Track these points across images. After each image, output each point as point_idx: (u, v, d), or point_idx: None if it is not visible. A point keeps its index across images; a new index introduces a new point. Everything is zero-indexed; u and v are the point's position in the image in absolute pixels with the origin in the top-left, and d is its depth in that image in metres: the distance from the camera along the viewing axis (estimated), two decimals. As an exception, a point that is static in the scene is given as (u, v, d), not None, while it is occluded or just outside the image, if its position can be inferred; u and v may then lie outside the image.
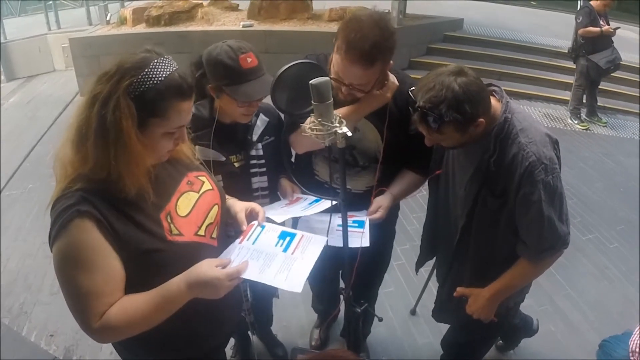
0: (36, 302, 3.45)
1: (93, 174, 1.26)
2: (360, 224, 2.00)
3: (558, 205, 1.75)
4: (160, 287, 1.30)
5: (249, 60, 1.84)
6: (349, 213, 1.75)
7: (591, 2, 6.43)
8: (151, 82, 1.24)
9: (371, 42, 1.71)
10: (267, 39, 7.48)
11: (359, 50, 1.72)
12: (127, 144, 1.22)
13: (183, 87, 1.29)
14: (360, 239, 1.92)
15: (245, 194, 2.02)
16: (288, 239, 1.54)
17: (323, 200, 1.93)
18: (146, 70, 1.24)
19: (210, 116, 1.99)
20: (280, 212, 1.96)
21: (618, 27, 6.54)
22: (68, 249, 1.24)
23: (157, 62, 1.26)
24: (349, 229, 1.77)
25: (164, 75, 1.25)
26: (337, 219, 1.77)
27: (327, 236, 1.67)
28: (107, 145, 1.22)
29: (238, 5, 9.02)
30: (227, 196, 1.69)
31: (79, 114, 1.26)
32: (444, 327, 2.55)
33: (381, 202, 2.08)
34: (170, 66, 1.28)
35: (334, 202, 1.74)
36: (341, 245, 1.77)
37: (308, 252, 1.49)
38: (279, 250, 1.47)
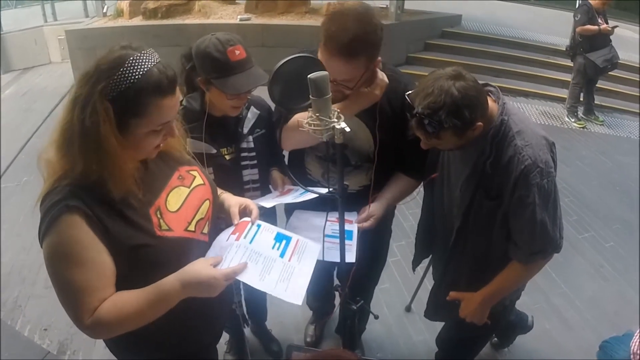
0: (30, 296, 3.44)
1: (82, 178, 1.24)
2: (349, 235, 1.95)
3: (552, 210, 1.74)
4: (153, 285, 1.29)
5: (237, 52, 1.83)
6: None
7: (590, 0, 6.43)
8: (127, 82, 1.18)
9: (351, 35, 1.69)
10: (264, 33, 7.45)
11: (339, 43, 1.70)
12: (108, 150, 1.19)
13: (162, 82, 1.23)
14: (348, 253, 1.88)
15: (237, 186, 2.01)
16: (284, 242, 1.54)
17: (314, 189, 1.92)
18: (121, 69, 1.18)
19: (201, 109, 1.98)
20: (270, 201, 1.97)
21: (616, 26, 6.54)
22: (58, 245, 1.23)
23: (132, 59, 1.20)
24: (335, 240, 1.76)
25: (140, 73, 1.19)
26: (328, 226, 1.75)
27: (322, 238, 1.66)
28: (89, 151, 1.19)
29: (235, -2, 9.00)
30: (220, 190, 1.67)
31: (63, 117, 1.23)
32: (439, 324, 2.55)
33: (374, 211, 2.05)
34: (148, 62, 1.22)
35: (326, 192, 1.73)
36: (334, 260, 1.77)
37: (304, 261, 1.50)
38: (276, 254, 1.47)
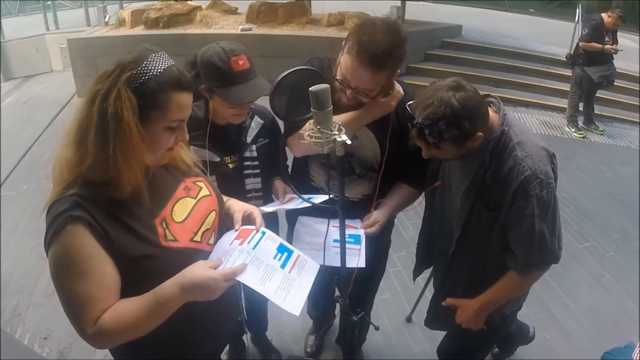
0: (30, 305, 3.43)
1: (91, 172, 1.25)
2: (356, 239, 1.97)
3: (551, 221, 1.74)
4: (152, 291, 1.29)
5: (241, 62, 1.84)
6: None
7: (603, 14, 6.45)
8: (150, 73, 1.25)
9: (383, 46, 1.70)
10: (265, 43, 7.49)
11: (370, 53, 1.71)
12: (127, 135, 1.22)
13: (182, 79, 1.30)
14: (357, 258, 1.90)
15: (239, 195, 2.01)
16: (286, 254, 1.53)
17: (314, 197, 1.93)
18: (145, 62, 1.25)
19: (205, 117, 2.00)
20: (271, 207, 1.99)
21: (620, 50, 6.58)
22: (62, 255, 1.24)
23: (155, 55, 1.28)
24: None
25: (162, 68, 1.27)
26: (333, 232, 1.76)
27: (324, 244, 1.66)
28: (106, 138, 1.21)
29: (237, 8, 9.03)
30: (226, 197, 1.67)
31: (79, 113, 1.26)
32: (440, 335, 2.54)
33: (378, 218, 2.07)
34: (167, 60, 1.30)
35: (326, 199, 1.73)
36: (338, 264, 1.77)
37: (303, 275, 1.50)
38: (277, 264, 1.47)
